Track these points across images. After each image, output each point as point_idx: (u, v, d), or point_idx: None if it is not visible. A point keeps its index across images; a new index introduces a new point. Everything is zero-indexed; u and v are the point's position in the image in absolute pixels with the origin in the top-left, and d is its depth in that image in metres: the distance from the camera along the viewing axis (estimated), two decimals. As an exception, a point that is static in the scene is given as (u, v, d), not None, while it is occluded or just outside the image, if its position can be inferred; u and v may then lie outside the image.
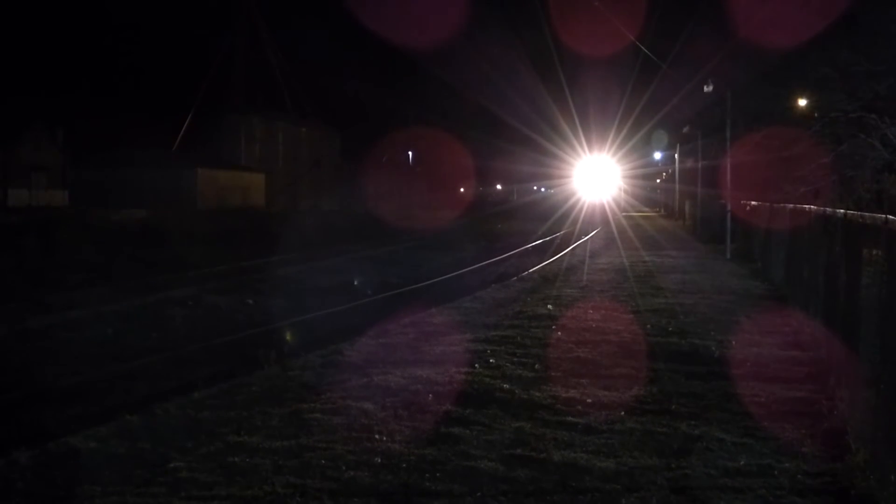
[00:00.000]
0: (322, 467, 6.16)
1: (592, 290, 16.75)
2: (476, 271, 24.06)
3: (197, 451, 6.56)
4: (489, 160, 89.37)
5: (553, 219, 40.75)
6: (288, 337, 13.99)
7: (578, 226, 33.51)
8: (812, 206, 12.27)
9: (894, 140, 21.54)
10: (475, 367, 9.40)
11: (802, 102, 27.61)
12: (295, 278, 23.01)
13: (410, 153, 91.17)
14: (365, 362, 9.73)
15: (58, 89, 76.56)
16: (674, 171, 53.71)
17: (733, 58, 28.41)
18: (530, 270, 22.15)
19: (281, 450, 6.54)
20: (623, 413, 7.64)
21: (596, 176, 21.95)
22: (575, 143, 30.36)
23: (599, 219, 38.73)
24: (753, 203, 23.87)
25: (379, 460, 6.31)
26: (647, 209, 72.27)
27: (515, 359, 9.90)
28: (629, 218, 52.50)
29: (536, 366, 9.55)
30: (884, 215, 6.20)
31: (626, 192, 59.63)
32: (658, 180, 78.46)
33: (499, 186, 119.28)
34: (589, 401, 8.05)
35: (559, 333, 11.70)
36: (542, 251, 29.54)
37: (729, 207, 26.87)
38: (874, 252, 6.54)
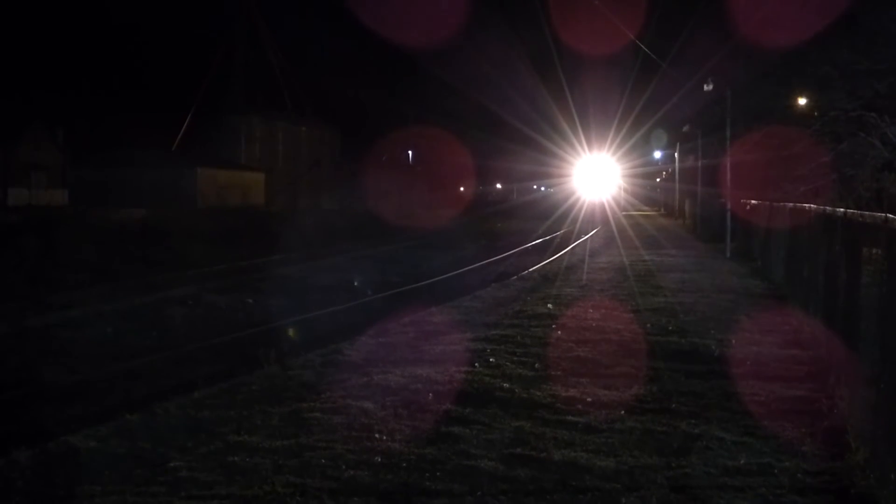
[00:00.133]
0: (322, 466, 6.16)
1: (592, 289, 16.75)
2: (476, 270, 24.06)
3: (197, 450, 6.56)
4: (489, 159, 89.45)
5: (553, 218, 40.72)
6: (288, 336, 13.99)
7: (578, 225, 33.48)
8: (812, 205, 12.26)
9: (894, 139, 21.55)
10: (475, 366, 9.40)
11: (802, 101, 27.61)
12: (295, 277, 23.02)
13: (410, 152, 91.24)
14: (365, 361, 9.73)
15: (58, 89, 76.50)
16: (674, 170, 53.70)
17: (733, 56, 28.42)
18: (530, 269, 22.15)
19: (281, 449, 6.54)
20: (623, 412, 7.63)
21: (596, 175, 21.93)
22: (575, 141, 30.29)
23: (599, 218, 38.71)
24: (753, 202, 23.87)
25: (379, 459, 6.30)
26: (646, 208, 72.27)
27: (515, 358, 9.89)
28: (629, 217, 52.52)
29: (536, 365, 9.55)
30: (883, 214, 6.20)
31: (625, 191, 59.66)
32: (658, 179, 78.48)
33: (499, 185, 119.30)
34: (589, 400, 8.05)
35: (559, 332, 11.70)
36: (542, 250, 29.55)
37: (729, 206, 26.87)
38: (874, 251, 6.55)
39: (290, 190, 75.86)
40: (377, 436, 6.87)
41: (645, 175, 71.45)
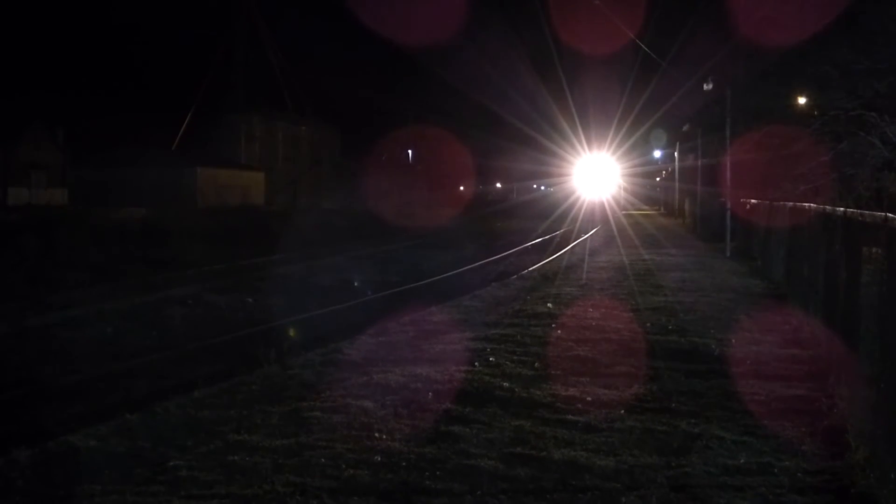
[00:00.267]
0: (322, 466, 6.16)
1: (592, 289, 16.75)
2: (476, 269, 24.06)
3: (197, 449, 6.56)
4: (489, 158, 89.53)
5: (553, 217, 40.72)
6: (288, 335, 13.98)
7: (578, 224, 33.52)
8: (812, 205, 12.26)
9: (894, 138, 21.53)
10: (475, 366, 9.40)
11: (802, 100, 27.57)
12: (295, 277, 23.02)
13: (410, 152, 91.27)
14: (365, 360, 9.73)
15: (58, 89, 76.61)
16: (673, 170, 53.71)
17: (733, 56, 28.43)
18: (530, 269, 22.16)
19: (281, 448, 6.54)
20: (623, 411, 7.63)
21: (595, 174, 21.94)
22: (574, 141, 30.28)
23: (599, 217, 38.73)
24: (753, 201, 23.87)
25: (379, 459, 6.30)
26: (646, 207, 72.26)
27: (515, 357, 9.89)
28: (629, 216, 52.53)
29: (536, 364, 9.55)
30: (883, 213, 6.20)
31: (625, 190, 59.61)
32: (658, 178, 78.45)
33: (498, 185, 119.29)
34: (589, 399, 8.05)
35: (559, 332, 11.70)
36: (542, 249, 29.54)
37: (729, 205, 26.87)
38: (874, 250, 6.55)
39: (289, 189, 75.91)
40: (377, 435, 6.87)
41: (645, 174, 71.41)
